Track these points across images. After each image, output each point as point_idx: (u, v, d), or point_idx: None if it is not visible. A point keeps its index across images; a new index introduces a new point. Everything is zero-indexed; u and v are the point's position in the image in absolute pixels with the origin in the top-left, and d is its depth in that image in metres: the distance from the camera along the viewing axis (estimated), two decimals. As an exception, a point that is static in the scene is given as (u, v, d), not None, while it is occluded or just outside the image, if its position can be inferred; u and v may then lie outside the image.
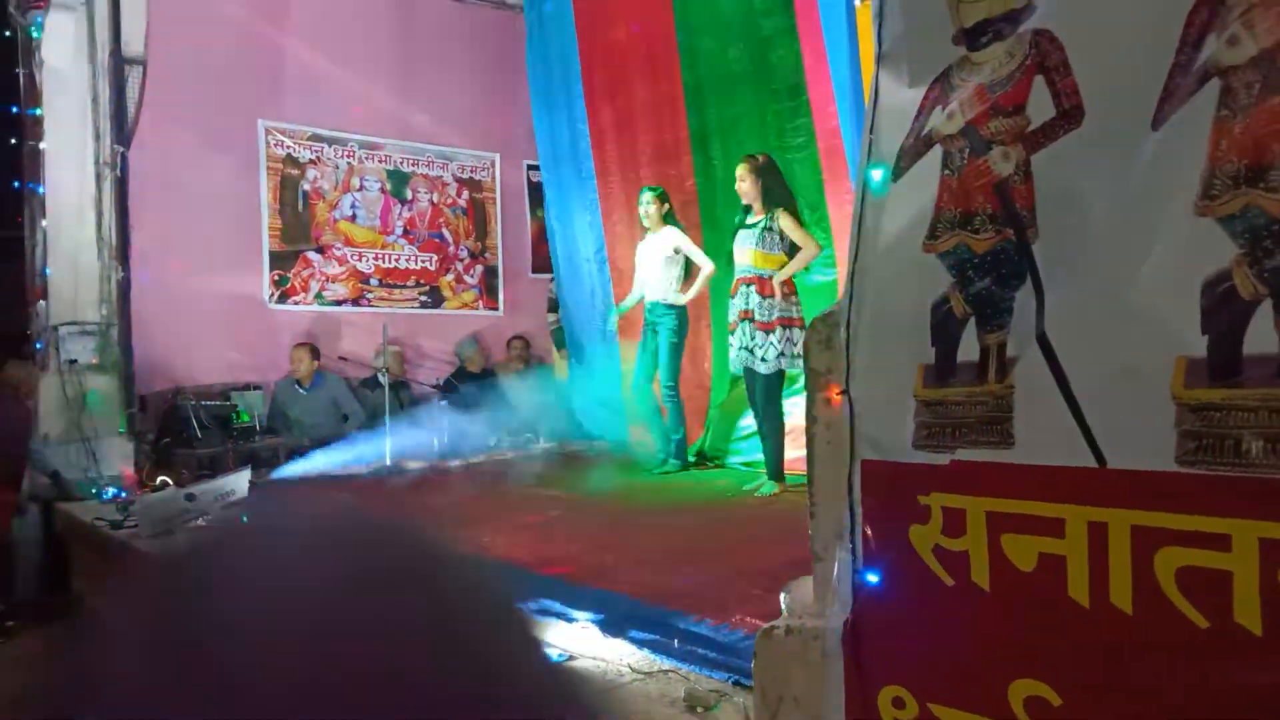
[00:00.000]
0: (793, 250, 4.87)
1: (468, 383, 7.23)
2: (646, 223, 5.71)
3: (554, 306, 8.08)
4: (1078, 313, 1.33)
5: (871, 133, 1.65)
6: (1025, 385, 1.37)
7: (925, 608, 1.48)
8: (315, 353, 6.77)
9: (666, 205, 5.71)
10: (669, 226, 5.67)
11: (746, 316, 4.80)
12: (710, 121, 6.30)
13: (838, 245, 5.48)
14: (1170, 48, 1.29)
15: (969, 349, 1.46)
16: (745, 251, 4.88)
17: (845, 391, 1.61)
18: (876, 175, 1.62)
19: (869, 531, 1.55)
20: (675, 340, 5.62)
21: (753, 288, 4.81)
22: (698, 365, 6.05)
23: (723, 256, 5.40)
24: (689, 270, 5.74)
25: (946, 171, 1.53)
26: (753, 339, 4.78)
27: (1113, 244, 1.32)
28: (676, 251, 5.64)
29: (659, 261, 5.65)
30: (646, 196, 5.69)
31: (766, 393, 4.82)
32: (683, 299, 5.62)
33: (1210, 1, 1.26)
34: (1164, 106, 1.29)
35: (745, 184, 4.80)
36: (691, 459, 5.90)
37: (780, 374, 4.85)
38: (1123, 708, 1.27)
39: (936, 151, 1.55)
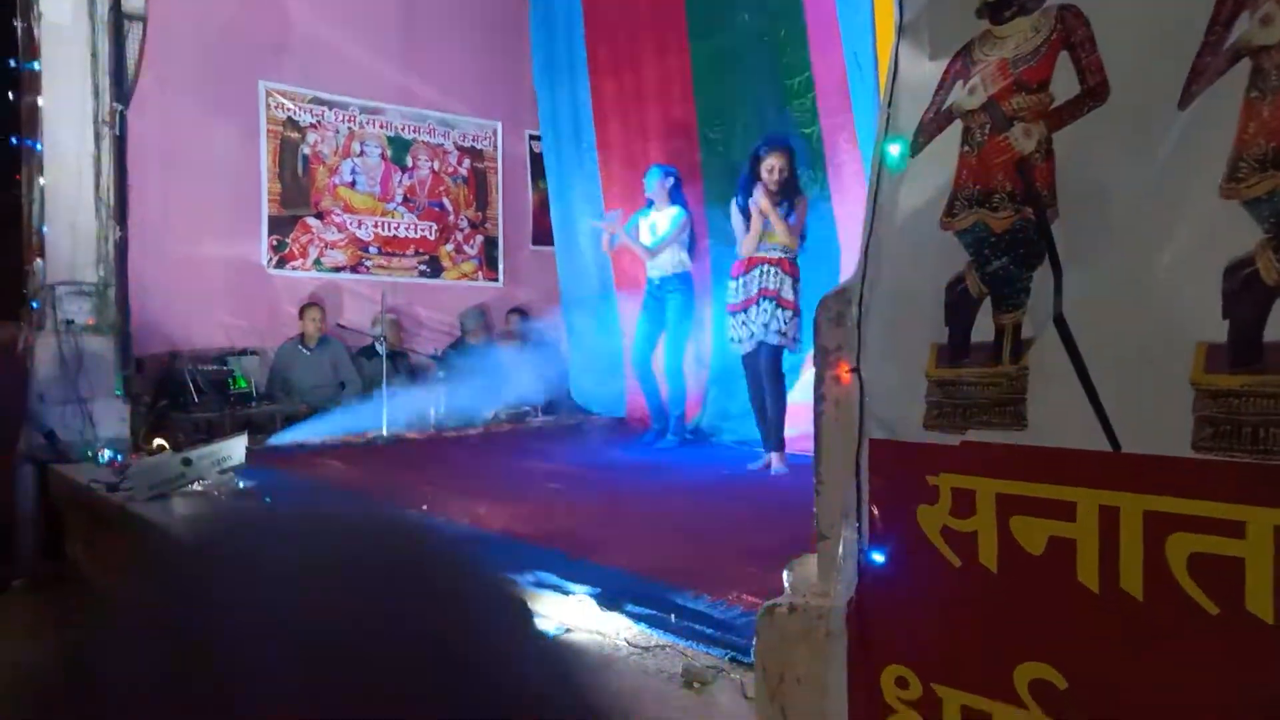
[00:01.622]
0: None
1: (466, 354, 7.21)
2: (653, 198, 5.69)
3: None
4: (1097, 295, 1.31)
5: (890, 106, 1.62)
6: (1040, 367, 1.36)
7: (931, 588, 1.47)
8: (324, 313, 6.78)
9: (671, 180, 5.69)
10: (674, 205, 5.65)
11: (770, 294, 4.74)
12: (718, 98, 6.24)
13: (839, 227, 5.45)
14: (1200, 26, 1.26)
15: (984, 329, 1.44)
16: (775, 230, 4.79)
17: (855, 369, 1.59)
18: (894, 150, 1.59)
19: (876, 511, 1.54)
20: (685, 314, 5.62)
21: (779, 266, 4.76)
22: (698, 341, 6.04)
23: (722, 235, 5.37)
24: (693, 246, 5.73)
25: (966, 148, 1.50)
26: (773, 315, 4.74)
27: (1134, 225, 1.30)
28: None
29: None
30: (656, 173, 5.67)
31: (777, 365, 4.82)
32: (689, 264, 5.61)
33: (1244, -21, 1.23)
34: (1192, 86, 1.26)
35: (788, 175, 4.76)
36: (689, 435, 5.89)
37: (782, 348, 4.83)
38: (1130, 693, 1.26)
39: (956, 127, 1.52)
